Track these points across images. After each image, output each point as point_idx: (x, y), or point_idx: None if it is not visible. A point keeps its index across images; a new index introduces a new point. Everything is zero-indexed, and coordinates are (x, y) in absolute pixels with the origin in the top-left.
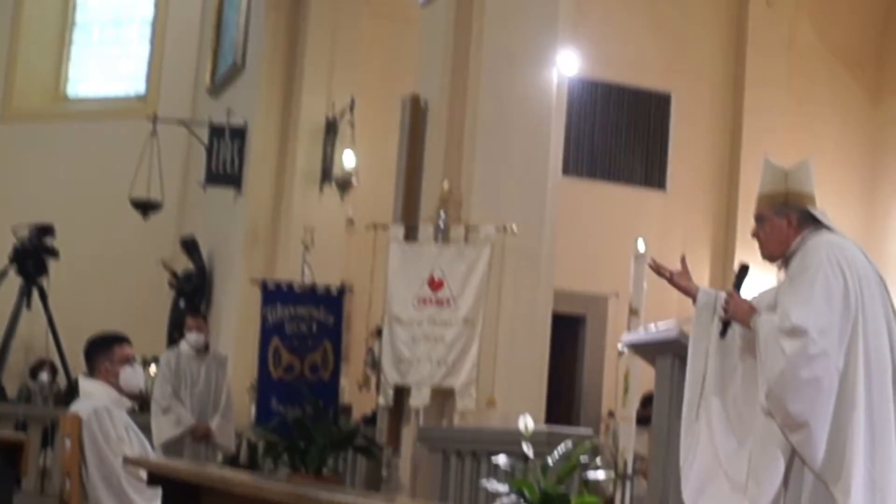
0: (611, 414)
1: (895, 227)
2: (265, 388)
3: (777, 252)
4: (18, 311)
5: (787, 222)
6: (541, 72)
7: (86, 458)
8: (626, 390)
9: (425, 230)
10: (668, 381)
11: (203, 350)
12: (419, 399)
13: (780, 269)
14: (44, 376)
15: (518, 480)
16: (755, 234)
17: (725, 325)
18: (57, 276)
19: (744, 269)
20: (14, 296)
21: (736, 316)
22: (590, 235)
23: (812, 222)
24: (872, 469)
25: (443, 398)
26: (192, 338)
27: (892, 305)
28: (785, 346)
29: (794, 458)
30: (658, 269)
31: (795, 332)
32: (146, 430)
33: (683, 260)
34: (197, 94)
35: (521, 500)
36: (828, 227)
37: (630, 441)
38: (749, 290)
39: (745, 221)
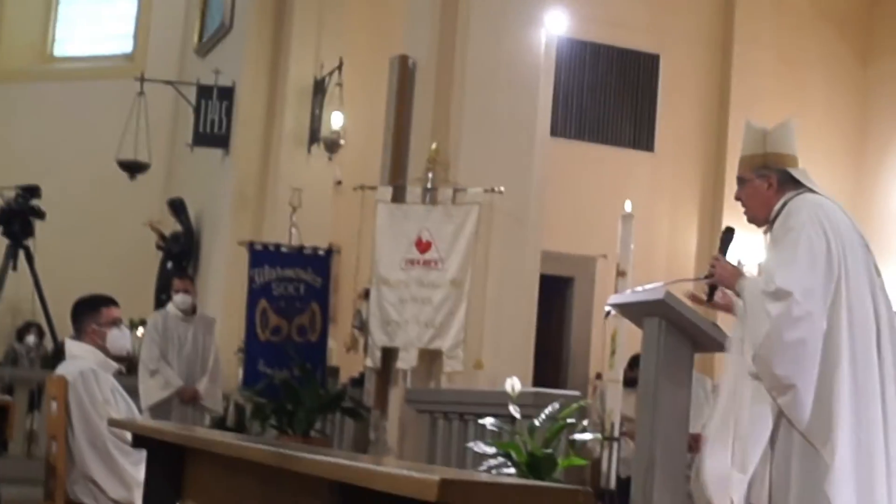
0: (598, 376)
1: (883, 186)
2: (253, 350)
3: (760, 214)
4: (4, 272)
5: (768, 184)
6: (529, 32)
7: (72, 421)
8: (613, 352)
9: (413, 191)
10: (655, 343)
11: (190, 312)
12: (407, 361)
13: (765, 232)
14: (30, 339)
15: (505, 442)
16: (738, 197)
17: (712, 290)
18: (43, 237)
19: (729, 233)
20: (0, 257)
21: (722, 280)
22: (578, 197)
23: (793, 183)
24: (858, 429)
25: (430, 360)
26: (179, 300)
27: (875, 266)
28: (770, 308)
29: (780, 420)
30: (695, 299)
31: (779, 294)
32: (133, 392)
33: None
34: (184, 55)
35: (509, 461)
36: (810, 188)
37: (617, 403)
38: (735, 254)
39: (733, 183)
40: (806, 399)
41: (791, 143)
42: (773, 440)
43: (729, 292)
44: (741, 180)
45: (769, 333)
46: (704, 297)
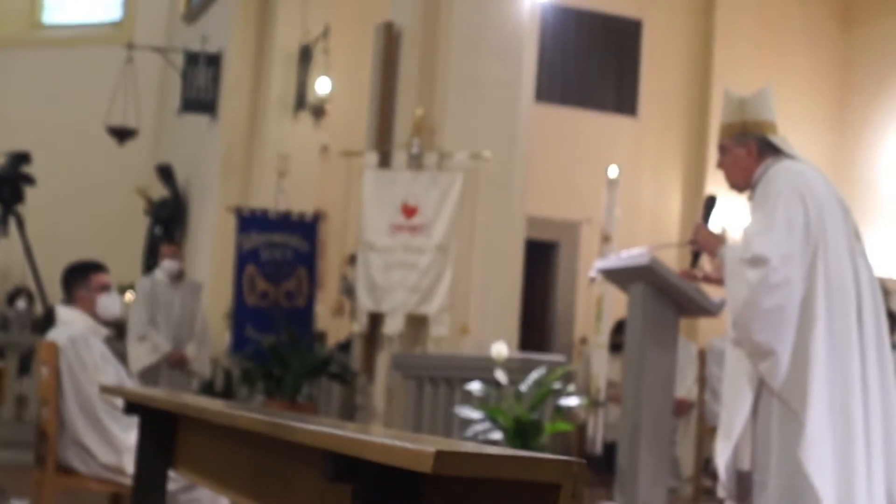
0: (583, 340)
1: (864, 151)
2: (240, 315)
3: (740, 181)
4: None
5: (747, 151)
6: None
7: (62, 387)
8: (598, 317)
9: (399, 157)
10: (640, 308)
11: (178, 278)
12: (393, 326)
13: (749, 199)
14: (20, 303)
15: (491, 407)
16: (719, 165)
17: (696, 256)
18: (33, 203)
19: (711, 201)
20: None
21: (704, 246)
22: (562, 162)
23: (772, 150)
24: (833, 392)
25: (417, 325)
26: (167, 265)
27: (856, 232)
28: (748, 274)
29: (762, 387)
30: (688, 275)
31: (757, 260)
32: (123, 357)
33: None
34: (172, 21)
35: (495, 426)
36: (789, 155)
37: (602, 367)
38: (718, 221)
39: (716, 148)
40: (785, 364)
41: (769, 109)
42: (755, 406)
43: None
44: (722, 148)
45: (747, 300)
46: (693, 270)
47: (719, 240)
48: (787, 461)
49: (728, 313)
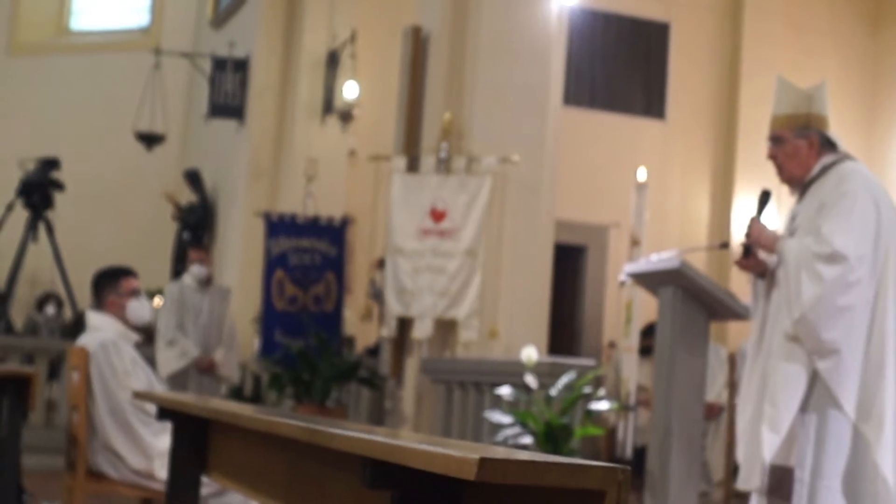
0: (612, 344)
1: (894, 151)
2: (269, 319)
3: (798, 173)
4: (25, 243)
5: (809, 144)
6: (541, 1)
7: (93, 392)
8: (627, 320)
9: (427, 161)
10: (669, 311)
11: (206, 282)
12: (422, 330)
13: (794, 193)
14: (50, 309)
15: (521, 411)
16: (772, 156)
17: (747, 249)
18: (62, 208)
19: (765, 195)
20: (21, 229)
21: (760, 241)
22: (590, 166)
23: (830, 147)
24: None
25: (446, 329)
26: (195, 270)
27: None
28: (823, 271)
29: (814, 384)
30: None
31: (835, 257)
32: (152, 362)
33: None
34: (199, 27)
35: (525, 431)
36: (848, 155)
37: (632, 371)
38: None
39: (745, 150)
40: (849, 366)
41: (827, 106)
42: (805, 403)
43: (763, 255)
44: (778, 139)
45: (821, 297)
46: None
47: (775, 234)
48: (837, 462)
49: (784, 307)
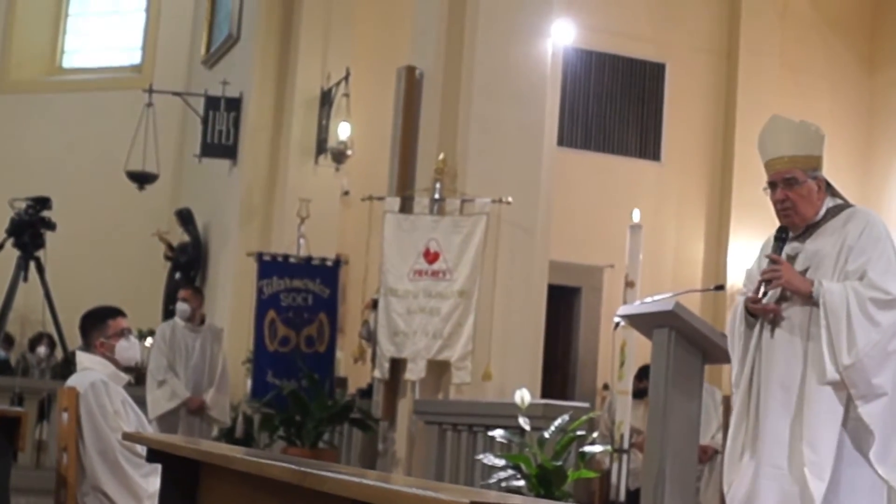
0: (605, 387)
1: (889, 195)
2: (261, 360)
3: (809, 215)
4: (15, 283)
5: (818, 186)
6: (536, 42)
7: (83, 433)
8: (622, 363)
9: (421, 202)
10: (664, 354)
11: (198, 322)
12: (415, 372)
13: (797, 238)
14: (41, 349)
15: (515, 454)
16: (783, 197)
17: (763, 287)
18: (53, 248)
19: (782, 232)
20: (11, 268)
21: (792, 282)
22: (585, 207)
23: (829, 189)
24: None
25: (439, 371)
26: (179, 308)
27: None
28: (880, 316)
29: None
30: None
31: (893, 303)
32: (141, 402)
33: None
34: (192, 66)
35: (518, 474)
36: (843, 198)
37: (626, 414)
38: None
39: (740, 192)
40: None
41: None
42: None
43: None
44: (793, 180)
45: (878, 342)
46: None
47: (803, 276)
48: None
49: (826, 350)
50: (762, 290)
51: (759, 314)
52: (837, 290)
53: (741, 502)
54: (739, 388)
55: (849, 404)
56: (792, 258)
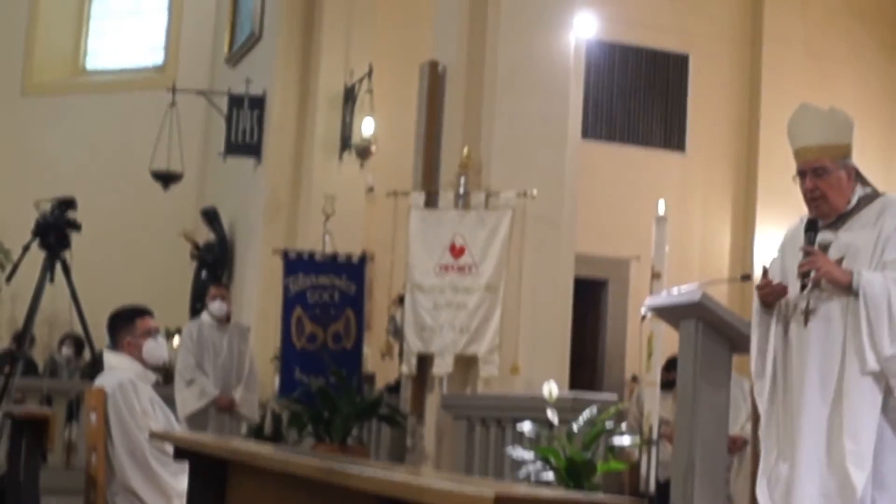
0: (634, 378)
1: None
2: (288, 358)
3: (841, 205)
4: (42, 285)
5: (847, 175)
6: (558, 35)
7: (111, 432)
8: (649, 354)
9: (446, 196)
10: (691, 345)
11: (225, 320)
12: (442, 367)
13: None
14: (68, 350)
15: (543, 447)
16: (813, 187)
17: (804, 279)
18: (79, 249)
19: (813, 223)
20: (37, 270)
21: (832, 273)
22: (610, 199)
23: (858, 177)
24: None
25: (466, 365)
26: (215, 307)
27: None
28: None
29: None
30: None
31: None
32: (170, 402)
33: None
34: (215, 65)
35: (547, 466)
36: (873, 186)
37: (655, 405)
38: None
39: (765, 181)
40: None
41: None
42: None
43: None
44: (822, 170)
45: None
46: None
47: (842, 268)
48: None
49: (866, 340)
50: (800, 282)
51: (769, 299)
52: (878, 280)
53: (781, 495)
54: (764, 380)
55: (888, 394)
56: (824, 248)
